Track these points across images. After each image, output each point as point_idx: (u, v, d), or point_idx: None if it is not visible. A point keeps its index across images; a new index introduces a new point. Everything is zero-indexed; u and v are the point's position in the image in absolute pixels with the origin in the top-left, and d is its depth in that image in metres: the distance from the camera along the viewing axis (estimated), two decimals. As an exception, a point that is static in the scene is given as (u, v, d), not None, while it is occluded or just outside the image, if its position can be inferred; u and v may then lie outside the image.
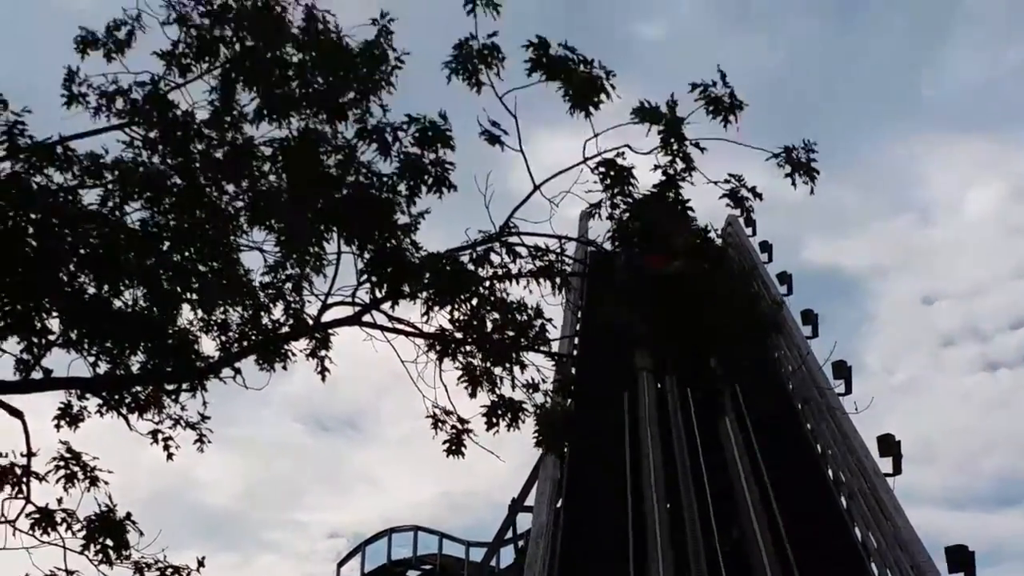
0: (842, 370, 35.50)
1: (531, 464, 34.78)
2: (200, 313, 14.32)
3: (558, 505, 31.75)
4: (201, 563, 14.09)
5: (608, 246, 13.56)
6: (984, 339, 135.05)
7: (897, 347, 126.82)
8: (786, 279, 47.34)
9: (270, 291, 14.53)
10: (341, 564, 48.85)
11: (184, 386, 14.18)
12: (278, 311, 14.54)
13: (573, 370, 15.61)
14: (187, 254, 14.04)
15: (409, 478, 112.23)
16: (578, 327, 36.30)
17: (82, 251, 12.91)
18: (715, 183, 12.80)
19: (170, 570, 13.96)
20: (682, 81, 12.44)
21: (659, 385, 35.98)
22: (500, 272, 13.40)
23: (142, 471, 13.30)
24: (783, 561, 28.32)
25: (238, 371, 14.10)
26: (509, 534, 38.33)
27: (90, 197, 13.65)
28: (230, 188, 13.95)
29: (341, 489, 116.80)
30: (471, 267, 13.31)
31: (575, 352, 33.63)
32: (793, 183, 12.71)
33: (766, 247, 51.29)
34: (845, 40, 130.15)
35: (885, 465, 30.26)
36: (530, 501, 34.62)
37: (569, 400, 15.63)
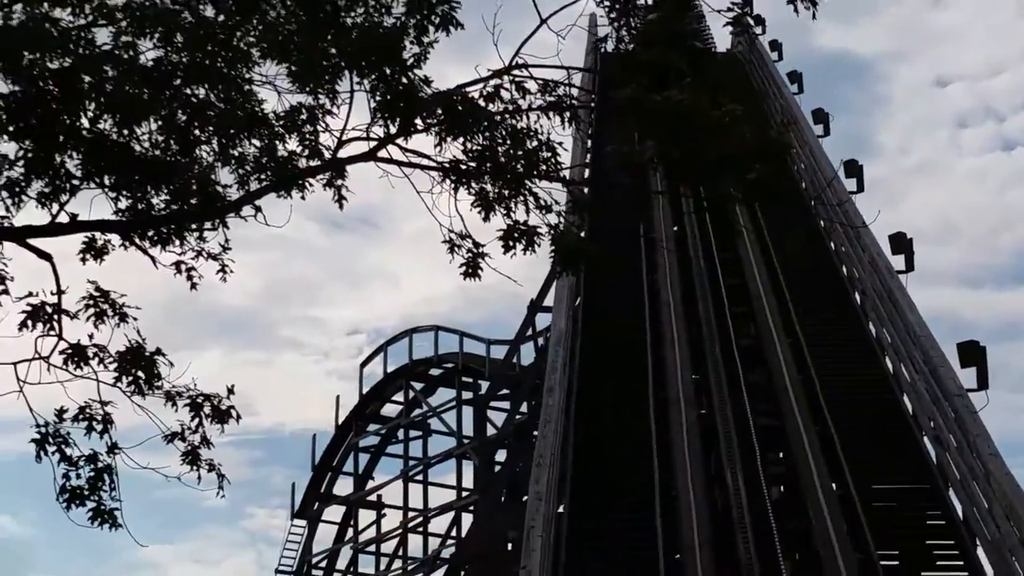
0: (854, 169, 35.70)
1: (548, 260, 35.18)
2: (217, 147, 14.50)
3: (576, 303, 32.28)
4: (231, 391, 14.42)
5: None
6: (999, 119, 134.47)
7: (911, 129, 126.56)
8: (796, 78, 47.48)
9: (285, 123, 14.65)
10: (364, 364, 49.69)
11: (206, 224, 14.46)
12: (293, 142, 14.71)
13: (585, 191, 15.79)
14: (202, 90, 14.19)
15: (426, 273, 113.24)
16: (588, 157, 36.43)
17: (99, 96, 13.12)
18: (719, 12, 12.93)
19: (201, 398, 14.30)
20: None
21: (673, 207, 36.18)
22: (510, 108, 13.59)
23: (160, 276, 13.47)
24: (798, 356, 28.90)
25: (258, 209, 14.37)
26: (529, 333, 38.90)
27: (102, 37, 13.75)
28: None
29: (359, 286, 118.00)
30: (481, 103, 13.51)
31: (586, 177, 33.86)
32: (795, 9, 12.82)
33: (776, 46, 51.35)
34: None
35: (898, 262, 30.61)
36: (549, 301, 35.13)
37: (584, 217, 15.94)
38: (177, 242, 14.76)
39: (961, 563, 22.42)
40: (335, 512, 50.46)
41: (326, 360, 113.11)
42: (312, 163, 14.66)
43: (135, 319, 14.09)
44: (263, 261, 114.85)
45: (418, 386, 47.38)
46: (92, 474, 13.62)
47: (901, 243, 30.75)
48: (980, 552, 22.06)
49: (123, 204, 14.12)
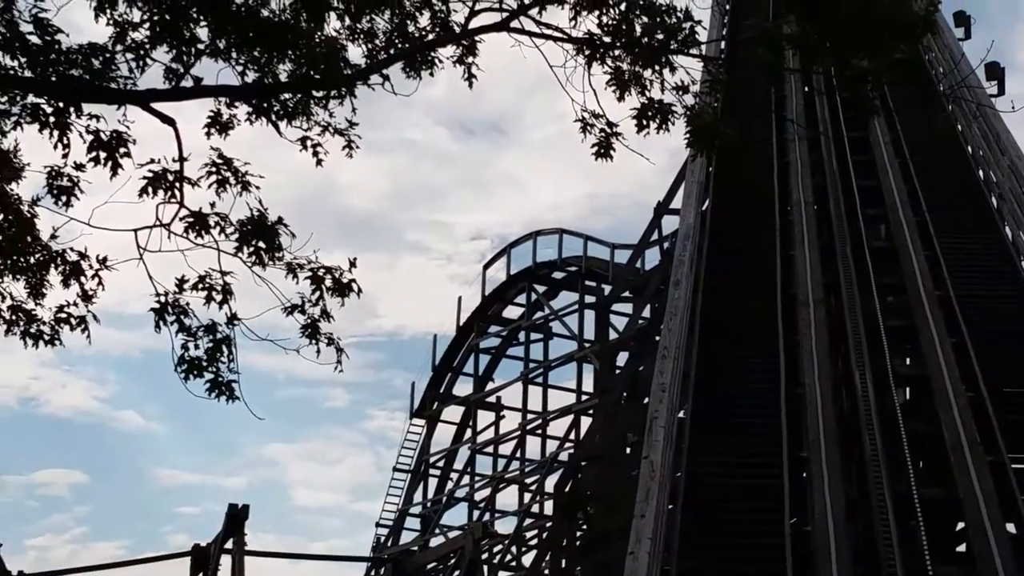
0: (995, 71, 34.75)
1: (676, 169, 34.78)
2: (347, 21, 14.23)
3: (704, 207, 31.84)
4: (353, 263, 14.08)
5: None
6: None
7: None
8: (939, -16, 46.39)
9: (416, -3, 14.34)
10: (487, 266, 49.57)
11: (332, 93, 14.16)
12: (425, 19, 14.40)
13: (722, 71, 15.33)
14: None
15: (553, 180, 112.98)
16: (726, 31, 35.73)
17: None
18: None
19: (322, 270, 13.99)
20: None
21: (807, 88, 35.53)
22: (648, -23, 13.20)
23: (286, 176, 13.11)
24: (931, 259, 28.30)
25: (386, 78, 14.08)
26: (654, 237, 38.46)
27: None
28: None
29: (485, 192, 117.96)
30: (618, -28, 13.14)
31: (723, 55, 33.19)
32: None
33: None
34: None
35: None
36: (676, 204, 34.67)
37: (718, 99, 15.53)
38: (303, 118, 14.48)
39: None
40: (454, 413, 50.60)
41: (449, 264, 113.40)
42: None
43: (258, 188, 13.81)
44: (392, 165, 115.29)
45: (541, 289, 47.16)
46: (211, 345, 13.46)
47: (1041, 147, 29.97)
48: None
49: (250, 78, 13.87)
